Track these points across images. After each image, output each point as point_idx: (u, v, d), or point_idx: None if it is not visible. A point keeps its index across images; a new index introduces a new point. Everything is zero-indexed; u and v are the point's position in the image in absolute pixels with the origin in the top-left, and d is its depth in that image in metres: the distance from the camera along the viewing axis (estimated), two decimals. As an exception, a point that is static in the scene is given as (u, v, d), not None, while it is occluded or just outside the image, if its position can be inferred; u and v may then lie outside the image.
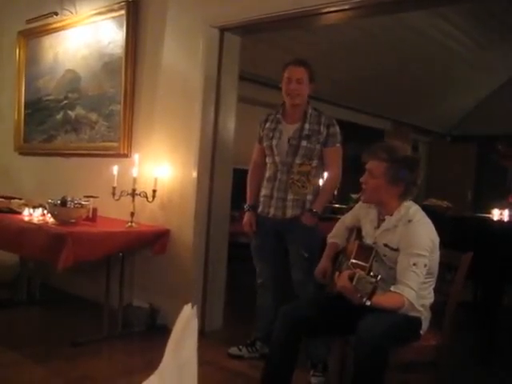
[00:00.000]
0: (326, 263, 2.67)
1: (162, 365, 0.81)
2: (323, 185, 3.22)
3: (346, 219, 2.75)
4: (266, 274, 3.30)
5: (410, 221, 2.34)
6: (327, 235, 2.79)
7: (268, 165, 3.27)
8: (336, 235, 2.74)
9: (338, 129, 3.15)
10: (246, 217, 3.31)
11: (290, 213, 3.12)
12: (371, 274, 2.08)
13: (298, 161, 3.12)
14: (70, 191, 3.64)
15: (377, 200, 2.43)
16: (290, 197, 3.13)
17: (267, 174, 3.26)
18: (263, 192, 3.26)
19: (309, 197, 3.12)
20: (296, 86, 3.11)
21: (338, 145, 3.16)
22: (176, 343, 0.79)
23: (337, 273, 2.37)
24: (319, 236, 3.03)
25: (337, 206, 5.13)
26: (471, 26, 6.34)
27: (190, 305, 0.83)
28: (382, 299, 2.17)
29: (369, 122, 8.15)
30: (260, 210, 3.26)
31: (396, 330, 2.21)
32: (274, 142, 3.19)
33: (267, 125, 3.28)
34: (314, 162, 3.13)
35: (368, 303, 1.99)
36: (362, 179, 2.43)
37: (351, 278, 2.05)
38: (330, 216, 4.25)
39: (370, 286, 1.97)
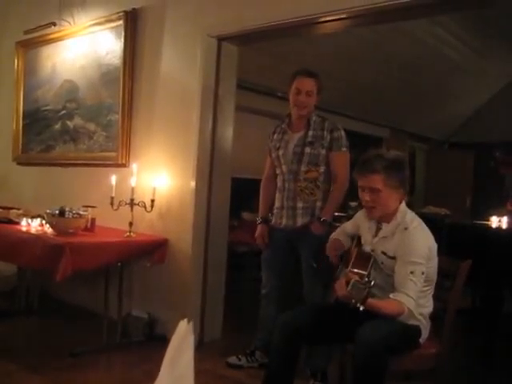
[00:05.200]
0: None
1: (157, 381, 0.80)
2: (331, 192, 3.15)
3: (347, 227, 2.74)
4: (271, 286, 3.28)
5: (406, 228, 2.34)
6: None
7: (278, 176, 3.27)
8: (338, 234, 2.74)
9: (342, 133, 3.12)
10: (259, 229, 3.33)
11: (300, 221, 3.12)
12: (366, 279, 2.09)
13: (303, 168, 3.11)
14: (68, 201, 3.63)
15: (388, 212, 2.39)
16: (299, 205, 3.12)
17: (278, 185, 3.26)
18: (276, 204, 3.26)
19: (318, 203, 3.12)
20: (305, 99, 3.09)
21: (345, 149, 3.12)
22: (171, 359, 0.78)
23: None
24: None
25: (335, 213, 5.08)
26: (468, 34, 6.37)
27: (185, 320, 0.82)
28: (380, 304, 2.19)
29: (367, 130, 8.16)
30: (273, 221, 3.27)
31: (395, 337, 2.21)
32: (281, 152, 3.19)
33: (275, 136, 3.28)
34: (322, 168, 3.11)
35: (361, 308, 1.99)
36: (367, 198, 2.36)
37: (348, 284, 2.07)
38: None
39: (364, 291, 1.98)
